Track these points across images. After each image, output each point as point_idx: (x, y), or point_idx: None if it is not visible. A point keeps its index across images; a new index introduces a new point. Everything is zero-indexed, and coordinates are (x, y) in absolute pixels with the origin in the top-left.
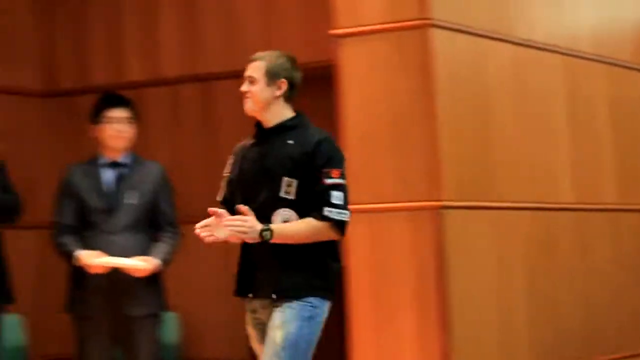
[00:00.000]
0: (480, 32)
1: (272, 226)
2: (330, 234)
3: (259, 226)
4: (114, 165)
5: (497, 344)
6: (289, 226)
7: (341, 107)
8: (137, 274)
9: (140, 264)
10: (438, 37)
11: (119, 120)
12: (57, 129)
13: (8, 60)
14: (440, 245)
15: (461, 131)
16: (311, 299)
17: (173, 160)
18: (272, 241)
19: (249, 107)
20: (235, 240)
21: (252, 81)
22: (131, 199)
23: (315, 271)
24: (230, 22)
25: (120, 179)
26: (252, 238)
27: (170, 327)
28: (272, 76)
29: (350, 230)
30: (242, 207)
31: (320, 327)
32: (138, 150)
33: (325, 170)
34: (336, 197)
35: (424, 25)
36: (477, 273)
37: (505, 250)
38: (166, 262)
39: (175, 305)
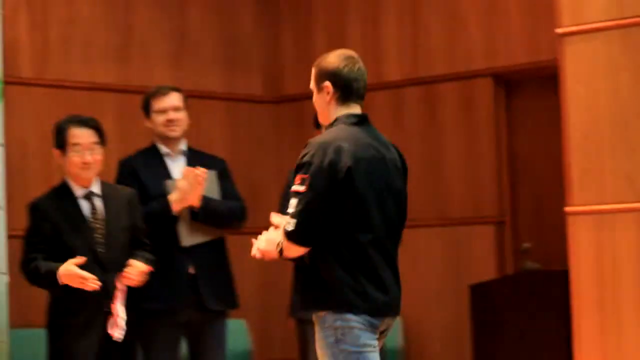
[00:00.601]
0: None
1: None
2: (290, 244)
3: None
4: None
5: None
6: None
7: (564, 107)
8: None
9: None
10: None
11: None
12: (283, 134)
13: (237, 68)
14: None
15: None
16: (329, 318)
17: None
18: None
19: (321, 123)
20: (269, 257)
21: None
22: None
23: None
24: (452, 23)
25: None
26: (272, 256)
27: (394, 332)
28: (318, 82)
29: (572, 232)
30: (273, 219)
31: (356, 336)
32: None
33: (295, 178)
34: (291, 204)
35: None
36: None
37: None
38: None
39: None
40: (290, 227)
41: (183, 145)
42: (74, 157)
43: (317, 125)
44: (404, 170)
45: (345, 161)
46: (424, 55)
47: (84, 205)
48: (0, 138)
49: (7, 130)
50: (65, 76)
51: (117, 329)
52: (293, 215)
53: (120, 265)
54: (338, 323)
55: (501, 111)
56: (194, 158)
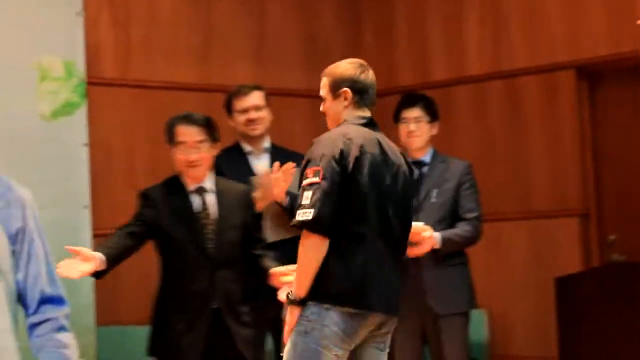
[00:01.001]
0: None
1: None
2: (308, 238)
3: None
4: (416, 164)
5: None
6: None
7: None
8: (418, 240)
9: (421, 226)
10: None
11: (410, 120)
12: None
13: (318, 65)
14: None
15: None
16: (312, 308)
17: (479, 158)
18: None
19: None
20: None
21: (323, 101)
22: (433, 197)
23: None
24: (534, 16)
25: (421, 178)
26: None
27: (479, 325)
28: (335, 89)
29: None
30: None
31: (323, 335)
32: (444, 148)
33: (305, 173)
34: (305, 197)
35: None
36: None
37: None
38: (447, 241)
39: (483, 303)
40: (309, 217)
41: (266, 143)
42: (179, 155)
43: (396, 120)
44: (411, 179)
45: (355, 152)
46: (505, 48)
47: (195, 201)
48: (85, 138)
49: (91, 130)
50: (148, 76)
51: None
52: (310, 206)
53: (230, 263)
54: (314, 317)
55: (584, 103)
56: (278, 155)
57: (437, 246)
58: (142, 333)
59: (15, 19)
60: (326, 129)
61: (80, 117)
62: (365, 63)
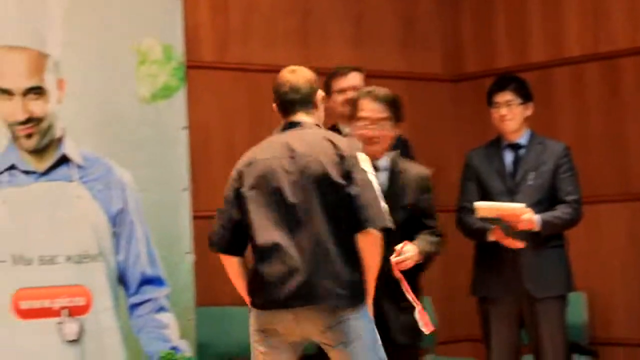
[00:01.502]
0: None
1: None
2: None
3: None
4: (512, 147)
5: None
6: None
7: None
8: (517, 221)
9: (521, 207)
10: None
11: (501, 104)
12: (463, 112)
13: (416, 47)
14: None
15: None
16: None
17: (577, 140)
18: None
19: None
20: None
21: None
22: (530, 179)
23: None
24: None
25: (518, 160)
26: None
27: (578, 308)
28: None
29: None
30: None
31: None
32: (543, 131)
33: None
34: None
35: None
36: None
37: None
38: (546, 224)
39: (582, 285)
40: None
41: None
42: (360, 130)
43: (489, 104)
44: (339, 160)
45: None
46: (605, 30)
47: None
48: (184, 121)
49: (190, 113)
50: (246, 59)
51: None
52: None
53: (390, 244)
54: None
55: None
56: None
57: (537, 228)
58: (241, 313)
59: (115, 2)
60: (425, 112)
61: (179, 100)
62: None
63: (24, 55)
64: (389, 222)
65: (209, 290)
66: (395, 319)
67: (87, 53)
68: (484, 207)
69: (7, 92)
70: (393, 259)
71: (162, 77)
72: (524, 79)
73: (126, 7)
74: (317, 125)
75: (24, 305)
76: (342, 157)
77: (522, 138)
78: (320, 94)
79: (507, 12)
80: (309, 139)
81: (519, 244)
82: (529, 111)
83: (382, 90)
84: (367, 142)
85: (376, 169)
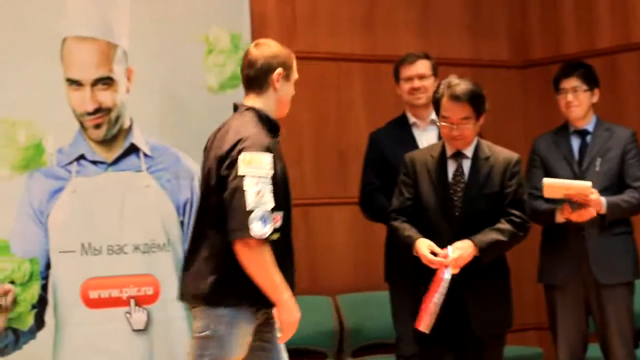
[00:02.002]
0: None
1: None
2: None
3: None
4: (579, 133)
5: None
6: None
7: None
8: (585, 200)
9: (588, 186)
10: None
11: (568, 90)
12: (530, 99)
13: (482, 34)
14: None
15: None
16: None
17: None
18: None
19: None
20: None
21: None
22: (597, 166)
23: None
24: None
25: (584, 146)
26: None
27: None
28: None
29: None
30: None
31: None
32: (609, 117)
33: None
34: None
35: None
36: None
37: None
38: (613, 206)
39: None
40: None
41: (433, 115)
42: (443, 129)
43: (556, 90)
44: (221, 160)
45: None
46: (637, 20)
47: (451, 166)
48: None
49: None
50: (313, 47)
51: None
52: None
53: (473, 233)
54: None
55: None
56: None
57: (603, 211)
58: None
59: None
60: (492, 99)
61: None
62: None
63: (93, 46)
64: (258, 231)
65: None
66: (477, 311)
67: (154, 43)
68: (551, 184)
69: (77, 83)
70: (445, 261)
71: (230, 67)
72: (590, 65)
73: None
74: (255, 109)
75: (93, 294)
76: (222, 158)
77: (589, 124)
78: (279, 72)
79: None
80: (225, 128)
81: (588, 214)
82: (595, 97)
83: (461, 86)
84: (451, 139)
85: (462, 156)
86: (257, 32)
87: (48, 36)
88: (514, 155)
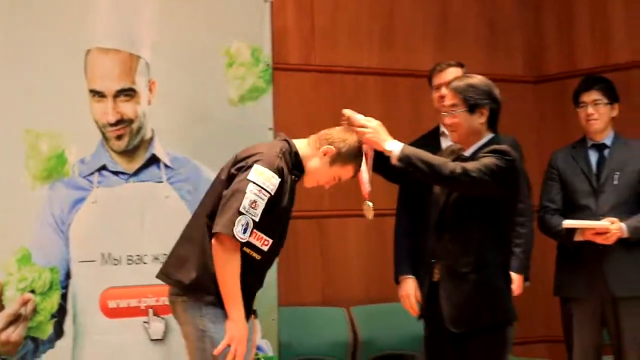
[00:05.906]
0: None
1: None
2: None
3: None
4: (597, 147)
5: None
6: None
7: None
8: (603, 238)
9: (607, 225)
10: None
11: (588, 103)
12: (545, 114)
13: (498, 49)
14: None
15: None
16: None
17: None
18: None
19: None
20: None
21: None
22: (615, 180)
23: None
24: None
25: (602, 160)
26: None
27: None
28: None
29: None
30: None
31: None
32: (623, 131)
33: None
34: None
35: None
36: None
37: None
38: (633, 231)
39: None
40: None
41: None
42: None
43: (576, 104)
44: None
45: None
46: None
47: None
48: (270, 122)
49: (276, 115)
50: (331, 61)
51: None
52: None
53: None
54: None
55: None
56: None
57: (626, 235)
58: (323, 313)
59: (205, 6)
60: (506, 113)
61: (266, 102)
62: None
63: (115, 57)
64: (239, 233)
65: (292, 290)
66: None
67: (176, 55)
68: (571, 226)
69: (99, 94)
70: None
71: (250, 79)
72: (610, 80)
73: (215, 10)
74: (290, 143)
75: (112, 304)
76: (238, 160)
77: (607, 138)
78: (330, 149)
79: (589, 14)
80: (254, 145)
81: (614, 237)
82: (614, 112)
83: (465, 78)
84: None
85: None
86: (277, 45)
87: (72, 48)
88: None
